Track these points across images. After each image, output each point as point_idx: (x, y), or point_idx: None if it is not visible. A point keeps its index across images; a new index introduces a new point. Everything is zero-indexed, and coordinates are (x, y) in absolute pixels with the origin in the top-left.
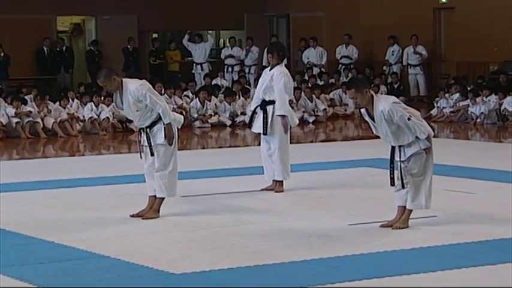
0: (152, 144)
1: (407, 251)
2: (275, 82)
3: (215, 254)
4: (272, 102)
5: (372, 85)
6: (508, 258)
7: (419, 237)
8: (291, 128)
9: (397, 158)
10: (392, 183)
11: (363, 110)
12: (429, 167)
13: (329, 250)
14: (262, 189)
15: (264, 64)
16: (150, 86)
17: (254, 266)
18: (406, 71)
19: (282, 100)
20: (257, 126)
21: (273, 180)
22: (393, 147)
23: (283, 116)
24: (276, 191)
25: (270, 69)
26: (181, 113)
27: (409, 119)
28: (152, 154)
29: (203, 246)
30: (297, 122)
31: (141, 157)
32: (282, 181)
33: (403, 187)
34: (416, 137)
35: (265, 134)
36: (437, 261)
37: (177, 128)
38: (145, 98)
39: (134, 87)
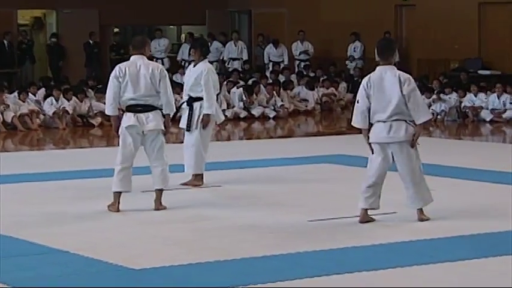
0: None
1: (368, 247)
2: (203, 80)
3: (175, 249)
4: (199, 99)
5: (333, 82)
6: (467, 255)
7: (379, 233)
8: (216, 124)
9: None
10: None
11: (366, 79)
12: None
13: (289, 246)
14: (181, 184)
15: (225, 59)
16: None
17: (214, 261)
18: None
19: (210, 99)
20: (183, 122)
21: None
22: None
23: (207, 114)
24: (190, 184)
25: (194, 66)
26: None
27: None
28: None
29: (163, 241)
30: (223, 118)
31: (118, 137)
32: (200, 175)
33: None
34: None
35: (188, 130)
36: (398, 258)
37: None
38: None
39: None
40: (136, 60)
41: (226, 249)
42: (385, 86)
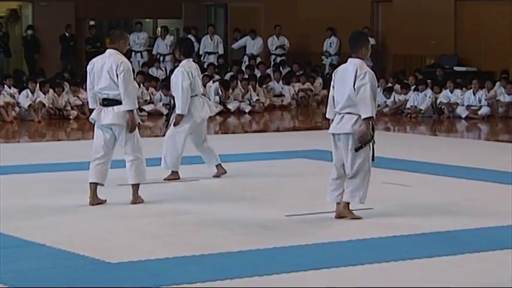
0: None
1: (344, 243)
2: (174, 81)
3: (152, 243)
4: None
5: (309, 77)
6: (444, 252)
7: (356, 229)
8: (202, 119)
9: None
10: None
11: (335, 71)
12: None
13: (266, 241)
14: (164, 179)
15: (200, 53)
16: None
17: (191, 256)
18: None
19: (179, 99)
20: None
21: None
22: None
23: (180, 115)
24: (167, 179)
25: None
26: None
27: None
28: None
29: (140, 235)
30: (206, 114)
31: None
32: (174, 170)
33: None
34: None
35: None
36: (374, 254)
37: None
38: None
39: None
40: (107, 54)
41: (203, 243)
42: (345, 78)
